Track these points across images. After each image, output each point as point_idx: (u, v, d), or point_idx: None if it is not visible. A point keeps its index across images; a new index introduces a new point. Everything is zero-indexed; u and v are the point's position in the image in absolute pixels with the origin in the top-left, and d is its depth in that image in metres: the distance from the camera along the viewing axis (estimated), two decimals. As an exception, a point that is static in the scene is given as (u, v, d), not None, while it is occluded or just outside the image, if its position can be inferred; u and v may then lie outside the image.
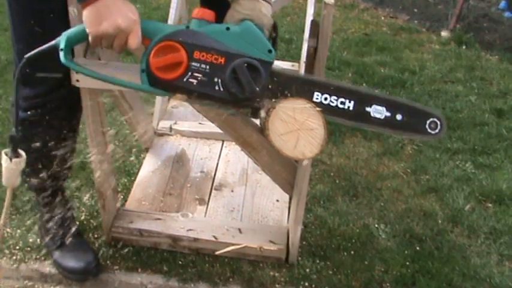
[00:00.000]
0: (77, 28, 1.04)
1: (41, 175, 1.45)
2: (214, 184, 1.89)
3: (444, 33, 3.57)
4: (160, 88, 1.02)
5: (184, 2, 2.13)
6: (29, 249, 1.60)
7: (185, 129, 2.13)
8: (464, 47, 3.39)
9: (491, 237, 1.79)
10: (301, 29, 2.97)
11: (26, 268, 1.55)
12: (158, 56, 0.99)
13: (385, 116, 1.10)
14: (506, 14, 3.99)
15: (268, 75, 1.04)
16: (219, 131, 1.47)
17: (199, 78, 1.01)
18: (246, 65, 1.01)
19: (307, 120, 1.09)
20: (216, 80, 1.01)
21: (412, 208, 1.90)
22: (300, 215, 1.52)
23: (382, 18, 3.89)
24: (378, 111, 1.10)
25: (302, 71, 1.48)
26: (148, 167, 1.94)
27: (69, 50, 1.05)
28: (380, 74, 2.91)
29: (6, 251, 1.59)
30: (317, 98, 1.09)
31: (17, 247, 1.60)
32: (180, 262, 1.59)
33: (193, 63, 1.00)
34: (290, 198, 1.71)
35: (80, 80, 1.25)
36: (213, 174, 1.94)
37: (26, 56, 1.09)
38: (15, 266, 1.55)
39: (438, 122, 1.12)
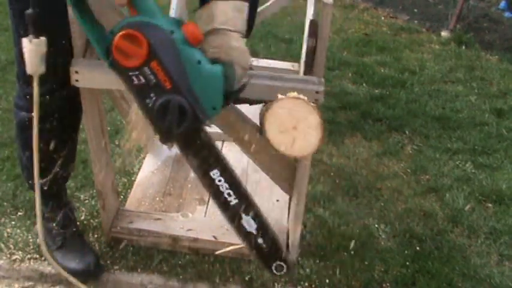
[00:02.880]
0: None
1: (45, 176, 1.45)
2: (214, 184, 1.88)
3: (444, 33, 3.57)
4: (107, 61, 1.03)
5: (184, 2, 2.13)
6: (29, 249, 1.60)
7: (185, 129, 2.13)
8: (464, 47, 3.39)
9: (491, 237, 1.79)
10: (301, 29, 2.96)
11: (26, 268, 1.55)
12: (125, 38, 0.99)
13: (250, 231, 1.20)
14: (506, 14, 3.99)
15: (194, 127, 1.06)
16: (219, 131, 1.47)
17: (140, 82, 1.01)
18: (180, 105, 1.01)
19: (304, 119, 1.10)
20: (152, 95, 1.02)
21: (412, 208, 1.90)
22: (299, 215, 1.52)
23: (382, 18, 3.89)
24: (249, 224, 1.20)
25: (302, 71, 1.48)
26: (148, 167, 1.94)
27: None
28: (380, 74, 2.91)
29: (6, 251, 1.59)
30: (214, 175, 1.17)
31: (17, 247, 1.60)
32: (180, 262, 1.59)
33: (145, 68, 1.00)
34: (290, 198, 1.71)
35: (80, 80, 1.25)
36: (213, 174, 1.93)
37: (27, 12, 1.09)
38: (15, 266, 1.55)
39: (284, 265, 1.24)
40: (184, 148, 1.12)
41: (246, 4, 1.13)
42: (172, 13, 2.17)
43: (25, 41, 1.12)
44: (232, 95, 1.08)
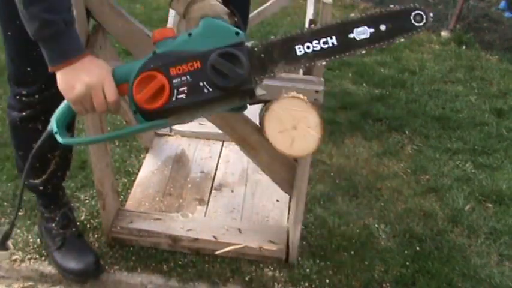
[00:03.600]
0: (61, 107, 1.06)
1: (41, 176, 1.45)
2: (214, 184, 1.89)
3: (444, 33, 3.57)
4: (157, 118, 1.03)
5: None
6: (29, 249, 1.60)
7: (185, 129, 2.13)
8: (464, 47, 3.39)
9: (491, 237, 1.79)
10: (301, 29, 2.97)
11: (26, 268, 1.55)
12: (140, 91, 0.99)
13: (370, 33, 1.08)
14: (506, 14, 3.99)
15: (246, 54, 1.03)
16: (219, 131, 1.47)
17: (186, 91, 1.00)
18: (220, 56, 1.00)
19: (304, 118, 1.10)
20: (201, 84, 1.01)
21: (412, 208, 1.90)
22: (299, 215, 1.52)
23: (382, 18, 3.89)
24: (361, 33, 1.08)
25: (301, 70, 1.48)
26: (148, 167, 1.94)
27: (63, 129, 1.07)
28: (380, 74, 2.91)
29: (6, 251, 1.59)
30: (301, 51, 1.07)
31: (17, 247, 1.60)
32: (180, 262, 1.59)
33: (174, 81, 1.00)
34: (290, 198, 1.71)
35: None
36: (213, 174, 1.94)
37: (31, 155, 1.14)
38: (15, 266, 1.55)
39: (422, 13, 1.08)
40: (262, 70, 1.07)
41: None
42: (172, 13, 2.18)
43: None
44: (240, 21, 1.11)
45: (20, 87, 1.34)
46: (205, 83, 1.01)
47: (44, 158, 1.42)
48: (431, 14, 1.10)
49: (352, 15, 1.10)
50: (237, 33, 1.02)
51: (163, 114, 1.02)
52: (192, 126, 2.14)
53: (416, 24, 1.08)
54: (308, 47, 1.06)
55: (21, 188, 1.19)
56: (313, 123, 1.10)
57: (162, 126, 1.05)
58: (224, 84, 1.00)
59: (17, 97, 1.35)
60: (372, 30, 1.07)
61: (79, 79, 0.98)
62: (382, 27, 1.08)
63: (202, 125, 2.12)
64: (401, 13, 1.08)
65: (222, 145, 2.11)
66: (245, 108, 1.08)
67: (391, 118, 2.45)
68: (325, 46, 1.07)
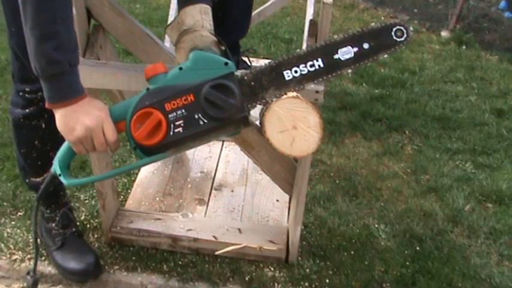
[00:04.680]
0: (62, 148, 1.08)
1: (42, 174, 1.45)
2: (214, 184, 1.89)
3: (444, 33, 3.57)
4: (156, 153, 1.05)
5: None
6: (29, 249, 1.60)
7: (185, 129, 2.13)
8: (464, 47, 3.39)
9: (491, 237, 1.79)
10: (301, 29, 2.97)
11: (26, 268, 1.55)
12: (138, 128, 1.01)
13: (354, 53, 1.10)
14: (506, 14, 3.99)
15: (237, 83, 1.05)
16: (219, 131, 1.47)
17: (182, 124, 1.03)
18: (213, 88, 1.02)
19: (304, 118, 1.10)
20: (196, 116, 1.03)
21: (412, 208, 1.90)
22: (299, 215, 1.52)
23: (382, 18, 3.89)
24: (345, 53, 1.10)
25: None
26: (148, 167, 1.94)
27: (66, 170, 1.09)
28: (380, 74, 2.91)
29: (6, 251, 1.59)
30: (289, 76, 1.09)
31: (17, 247, 1.60)
32: (180, 262, 1.59)
33: (170, 116, 1.02)
34: (290, 198, 1.71)
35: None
36: (213, 174, 1.94)
37: (36, 197, 1.17)
38: (15, 266, 1.55)
39: (403, 28, 1.11)
40: (254, 98, 1.09)
41: (209, 7, 1.22)
42: (172, 13, 2.18)
43: None
44: (230, 50, 1.13)
45: (23, 84, 1.34)
46: (200, 115, 1.03)
47: (46, 156, 1.42)
48: (411, 29, 1.12)
49: (336, 36, 1.11)
50: (226, 63, 1.04)
51: (162, 148, 1.04)
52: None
53: (398, 39, 1.11)
54: (296, 71, 1.09)
55: (35, 236, 1.23)
56: (314, 123, 1.10)
57: (162, 158, 1.07)
58: (219, 115, 1.03)
59: (21, 94, 1.35)
60: (355, 49, 1.10)
61: (78, 121, 1.00)
62: (365, 46, 1.10)
63: (202, 125, 2.12)
64: (382, 30, 1.10)
65: (222, 145, 2.11)
66: (239, 131, 1.11)
67: (391, 118, 2.45)
68: (312, 69, 1.09)
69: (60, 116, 1.01)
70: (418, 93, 2.74)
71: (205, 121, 1.03)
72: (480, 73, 3.04)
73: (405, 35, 1.10)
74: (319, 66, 1.09)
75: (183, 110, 1.02)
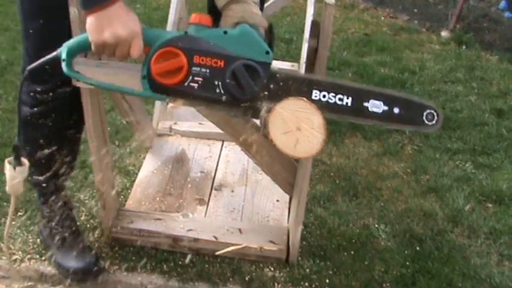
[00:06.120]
0: (79, 37, 1.05)
1: (45, 172, 1.46)
2: (214, 184, 1.89)
3: (444, 33, 3.57)
4: (161, 93, 1.04)
5: (184, 3, 2.13)
6: (29, 249, 1.60)
7: (185, 129, 2.13)
8: (464, 47, 3.39)
9: (491, 237, 1.79)
10: (301, 29, 2.97)
11: (26, 268, 1.55)
12: (159, 62, 1.00)
13: (383, 110, 1.11)
14: (506, 14, 3.99)
15: (267, 75, 1.05)
16: (219, 131, 1.47)
17: (199, 82, 1.02)
18: (244, 66, 1.02)
19: (307, 119, 1.10)
20: (216, 83, 1.02)
21: (412, 208, 1.90)
22: (300, 215, 1.52)
23: (382, 18, 3.89)
24: (375, 106, 1.11)
25: (302, 71, 1.48)
26: (148, 167, 1.94)
27: (70, 60, 1.06)
28: (380, 74, 2.91)
29: (6, 251, 1.59)
30: (316, 96, 1.10)
31: (17, 247, 1.60)
32: (180, 262, 1.59)
33: (193, 68, 1.01)
34: (290, 199, 1.71)
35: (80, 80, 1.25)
36: (213, 174, 1.94)
37: (28, 68, 1.11)
38: (15, 266, 1.55)
39: (435, 114, 1.13)
40: (274, 97, 1.09)
41: None
42: (172, 13, 2.17)
43: (7, 166, 1.17)
44: (271, 41, 1.11)
45: (35, 84, 1.34)
46: (220, 83, 1.02)
47: (50, 155, 1.42)
48: (442, 117, 1.13)
49: (376, 87, 1.13)
50: (268, 53, 1.04)
51: (169, 92, 1.03)
52: (192, 126, 2.14)
53: (427, 121, 1.13)
54: (324, 96, 1.10)
55: None
56: (318, 125, 1.10)
57: (161, 100, 1.06)
58: (236, 93, 1.02)
59: (31, 94, 1.35)
60: (385, 108, 1.11)
61: (111, 27, 0.97)
62: (396, 110, 1.11)
63: (202, 124, 2.12)
64: (417, 106, 1.12)
65: (222, 145, 2.11)
66: (246, 117, 1.11)
67: (391, 118, 2.45)
68: (339, 102, 1.10)
69: (93, 18, 0.98)
70: (418, 93, 2.74)
71: (221, 92, 1.02)
72: (480, 73, 3.04)
73: (435, 121, 1.12)
74: (346, 104, 1.10)
75: (208, 71, 1.01)
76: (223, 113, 1.11)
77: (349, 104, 1.10)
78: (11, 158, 1.17)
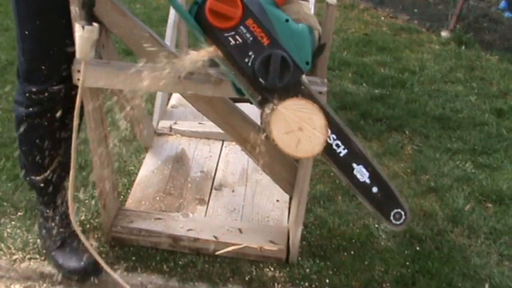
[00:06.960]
0: None
1: (42, 173, 1.46)
2: (214, 184, 1.89)
3: (444, 33, 3.57)
4: (200, 26, 1.03)
5: (185, 3, 2.13)
6: (29, 249, 1.60)
7: (185, 129, 2.13)
8: (464, 47, 3.39)
9: (491, 237, 1.79)
10: (301, 29, 2.97)
11: (26, 268, 1.55)
12: (218, 0, 1.00)
13: (364, 181, 1.16)
14: (506, 14, 4.00)
15: (294, 80, 1.06)
16: (219, 131, 1.47)
17: (238, 42, 1.03)
18: (282, 59, 1.03)
19: (309, 120, 1.10)
20: (250, 53, 1.03)
21: (412, 208, 1.90)
22: (300, 215, 1.52)
23: (382, 18, 3.89)
24: (360, 173, 1.16)
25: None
26: (148, 167, 1.94)
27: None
28: (380, 74, 2.91)
29: (6, 251, 1.59)
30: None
31: (17, 247, 1.60)
32: (180, 262, 1.59)
33: (241, 27, 1.02)
34: (290, 198, 1.71)
35: (81, 79, 1.25)
36: (213, 174, 1.94)
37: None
38: (15, 266, 1.55)
39: (403, 214, 1.19)
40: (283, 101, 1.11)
41: None
42: (173, 13, 2.18)
43: (77, 27, 1.13)
44: (317, 53, 1.13)
45: (30, 84, 1.34)
46: (252, 57, 1.04)
47: (46, 155, 1.42)
48: (410, 218, 1.21)
49: (370, 155, 1.20)
50: (307, 63, 1.05)
51: (207, 29, 1.02)
52: (192, 125, 2.14)
53: (392, 219, 1.20)
54: (328, 137, 1.14)
55: None
56: (319, 125, 1.10)
57: (194, 32, 1.05)
58: (257, 74, 1.03)
59: (27, 95, 1.36)
60: (368, 180, 1.17)
61: None
62: (374, 189, 1.18)
63: (202, 124, 2.12)
64: (393, 198, 1.20)
65: (222, 145, 2.11)
66: (251, 101, 1.11)
67: (391, 118, 2.45)
68: (335, 148, 1.17)
69: None
70: (418, 93, 2.74)
71: (248, 64, 1.04)
72: (480, 73, 3.04)
73: (401, 220, 1.20)
74: (339, 152, 1.16)
75: (251, 39, 1.02)
76: (233, 82, 1.11)
77: (341, 155, 1.15)
78: (82, 21, 1.14)
